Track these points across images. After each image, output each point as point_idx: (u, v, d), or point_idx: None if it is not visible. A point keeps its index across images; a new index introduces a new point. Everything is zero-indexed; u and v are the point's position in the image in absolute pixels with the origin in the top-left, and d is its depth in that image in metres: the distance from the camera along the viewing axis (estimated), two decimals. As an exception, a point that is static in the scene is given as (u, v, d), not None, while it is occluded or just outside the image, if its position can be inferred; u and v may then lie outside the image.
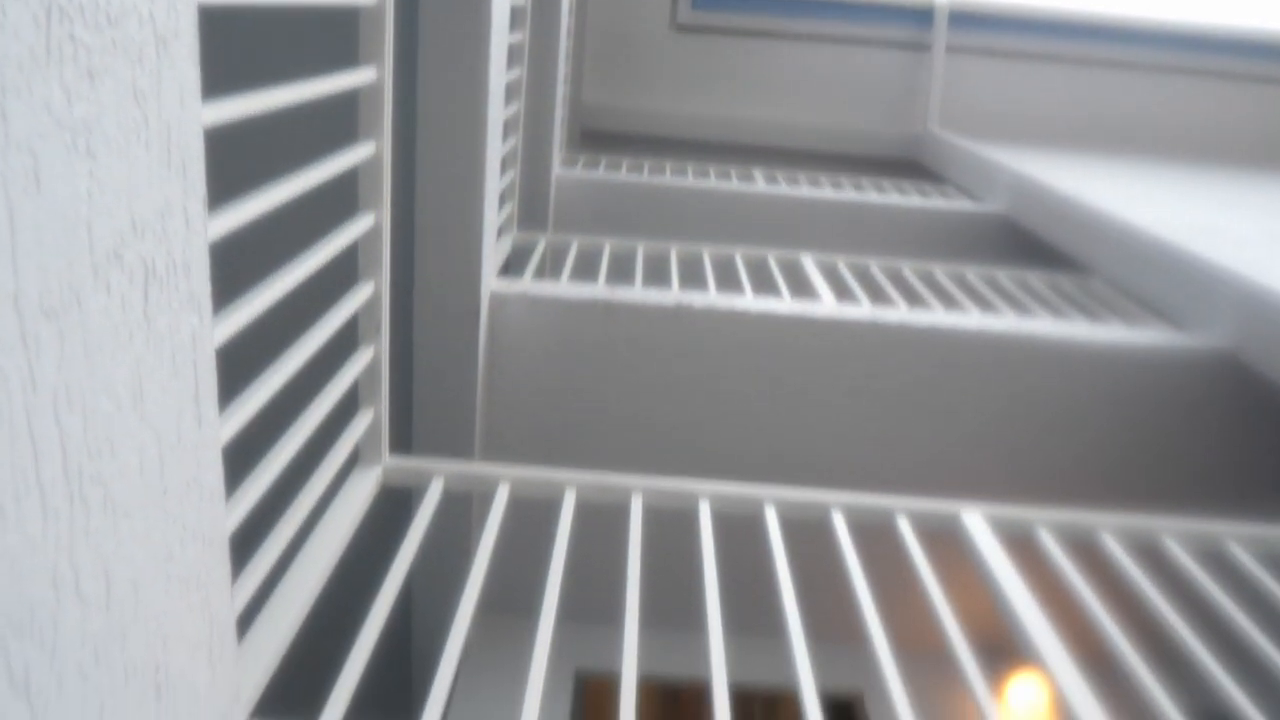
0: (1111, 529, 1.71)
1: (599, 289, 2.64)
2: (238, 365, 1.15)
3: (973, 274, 3.28)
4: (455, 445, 2.44)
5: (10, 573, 0.62)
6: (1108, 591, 1.59)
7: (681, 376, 2.58)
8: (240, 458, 1.17)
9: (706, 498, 1.67)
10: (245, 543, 1.20)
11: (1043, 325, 2.65)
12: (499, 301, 2.53)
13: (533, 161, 3.80)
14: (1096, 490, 2.66)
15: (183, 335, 0.83)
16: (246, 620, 1.23)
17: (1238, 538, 1.73)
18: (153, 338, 0.78)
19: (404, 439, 2.37)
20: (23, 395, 0.62)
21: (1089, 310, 3.01)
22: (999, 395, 2.62)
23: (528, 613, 1.43)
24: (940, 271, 3.28)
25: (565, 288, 2.63)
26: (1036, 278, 3.30)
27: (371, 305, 1.59)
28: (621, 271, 3.13)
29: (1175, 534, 1.72)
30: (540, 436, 2.63)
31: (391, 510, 1.89)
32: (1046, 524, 1.71)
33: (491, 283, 2.55)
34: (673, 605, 2.16)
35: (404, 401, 2.34)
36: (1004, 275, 3.30)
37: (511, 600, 2.32)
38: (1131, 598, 1.58)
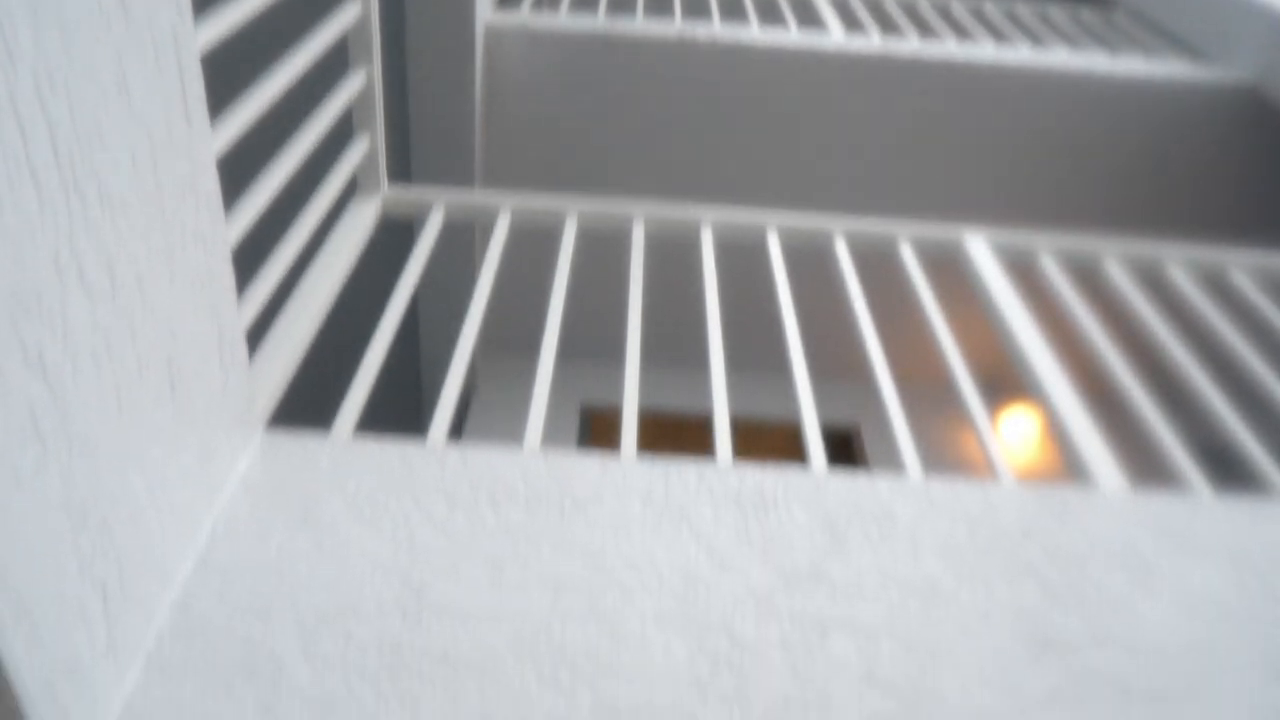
0: (1115, 255, 1.71)
1: (598, 20, 2.52)
2: (231, 86, 1.12)
3: (991, 7, 3.13)
4: (455, 179, 2.41)
5: (13, 254, 0.62)
6: (1110, 323, 1.60)
7: (684, 110, 2.51)
8: (240, 175, 1.15)
9: (709, 223, 1.65)
10: (250, 268, 1.20)
11: (1059, 58, 2.55)
12: (495, 33, 2.42)
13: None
14: (1108, 226, 2.65)
15: (162, 27, 0.80)
16: (258, 341, 1.25)
17: (1241, 265, 1.72)
18: (131, 26, 0.75)
19: (403, 174, 2.34)
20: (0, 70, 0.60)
21: (1109, 43, 2.89)
22: (1013, 129, 2.56)
23: (534, 350, 1.44)
24: (957, 4, 3.13)
25: (563, 20, 2.52)
26: (1058, 10, 3.14)
27: (361, 25, 1.52)
28: (622, 3, 2.99)
29: (1179, 260, 1.72)
30: (540, 172, 2.59)
31: (396, 248, 1.89)
32: (1050, 249, 1.71)
33: (487, 14, 2.44)
34: (674, 341, 2.20)
35: (402, 136, 2.29)
36: (1024, 8, 3.15)
37: (518, 339, 2.36)
38: (1133, 327, 1.59)
